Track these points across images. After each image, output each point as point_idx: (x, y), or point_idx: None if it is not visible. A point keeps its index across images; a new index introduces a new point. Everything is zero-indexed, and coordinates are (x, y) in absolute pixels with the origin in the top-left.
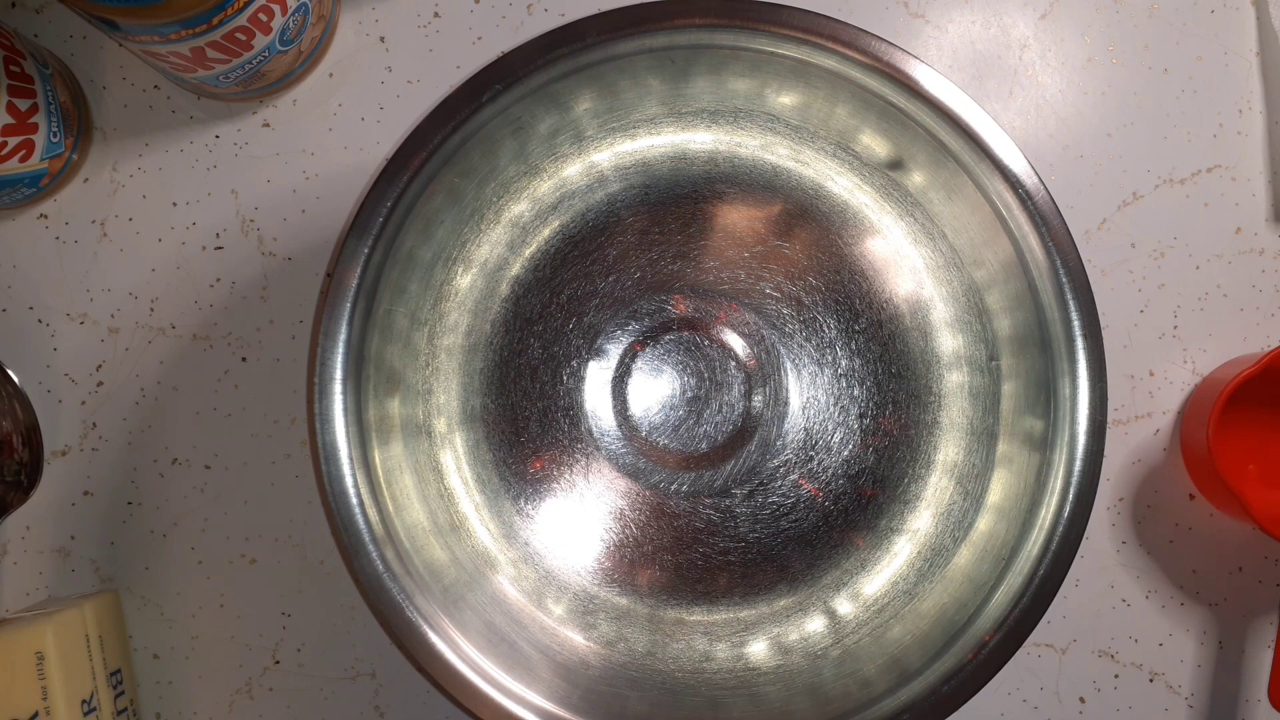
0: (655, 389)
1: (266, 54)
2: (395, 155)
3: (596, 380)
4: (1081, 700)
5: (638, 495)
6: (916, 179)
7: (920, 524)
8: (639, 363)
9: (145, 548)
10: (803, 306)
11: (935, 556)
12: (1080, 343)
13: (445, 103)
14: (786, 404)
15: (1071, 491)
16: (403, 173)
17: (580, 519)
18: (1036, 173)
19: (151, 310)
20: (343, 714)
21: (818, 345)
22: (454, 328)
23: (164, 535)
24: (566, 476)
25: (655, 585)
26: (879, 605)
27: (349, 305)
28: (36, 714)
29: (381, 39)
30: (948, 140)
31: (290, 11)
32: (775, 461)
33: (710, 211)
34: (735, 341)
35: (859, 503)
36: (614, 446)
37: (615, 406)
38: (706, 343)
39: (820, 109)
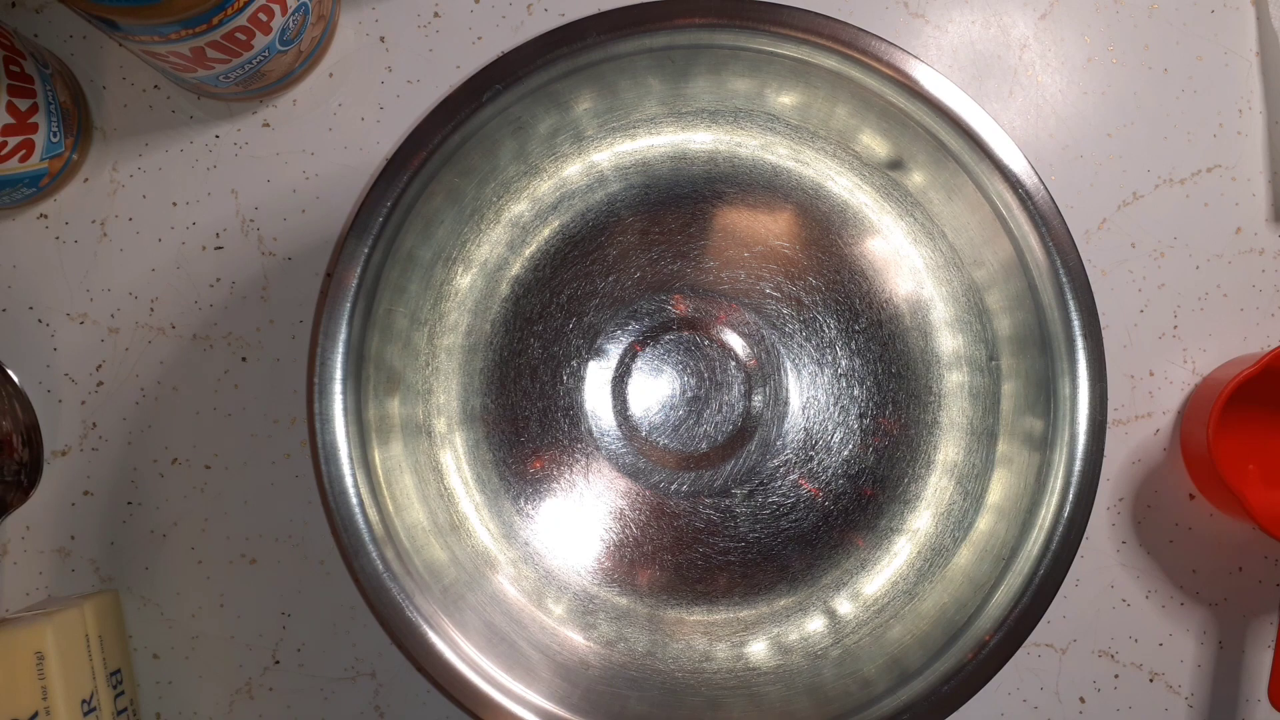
0: (655, 389)
1: (266, 54)
2: (395, 155)
3: (596, 380)
4: (1081, 700)
5: (638, 495)
6: (916, 179)
7: (920, 524)
8: (639, 363)
9: (145, 548)
10: (803, 306)
11: (935, 556)
12: (1080, 343)
13: (445, 103)
14: (786, 404)
15: (1071, 491)
16: (403, 173)
17: (580, 519)
18: (1036, 173)
19: (151, 310)
20: (343, 714)
21: (818, 345)
22: (454, 328)
23: (164, 535)
24: (566, 476)
25: (655, 585)
26: (879, 605)
27: (349, 305)
28: (36, 714)
29: (381, 39)
30: (948, 140)
31: (290, 11)
32: (775, 461)
33: (710, 211)
34: (735, 341)
35: (859, 503)
36: (614, 446)
37: (615, 406)
38: (706, 343)
39: (820, 109)
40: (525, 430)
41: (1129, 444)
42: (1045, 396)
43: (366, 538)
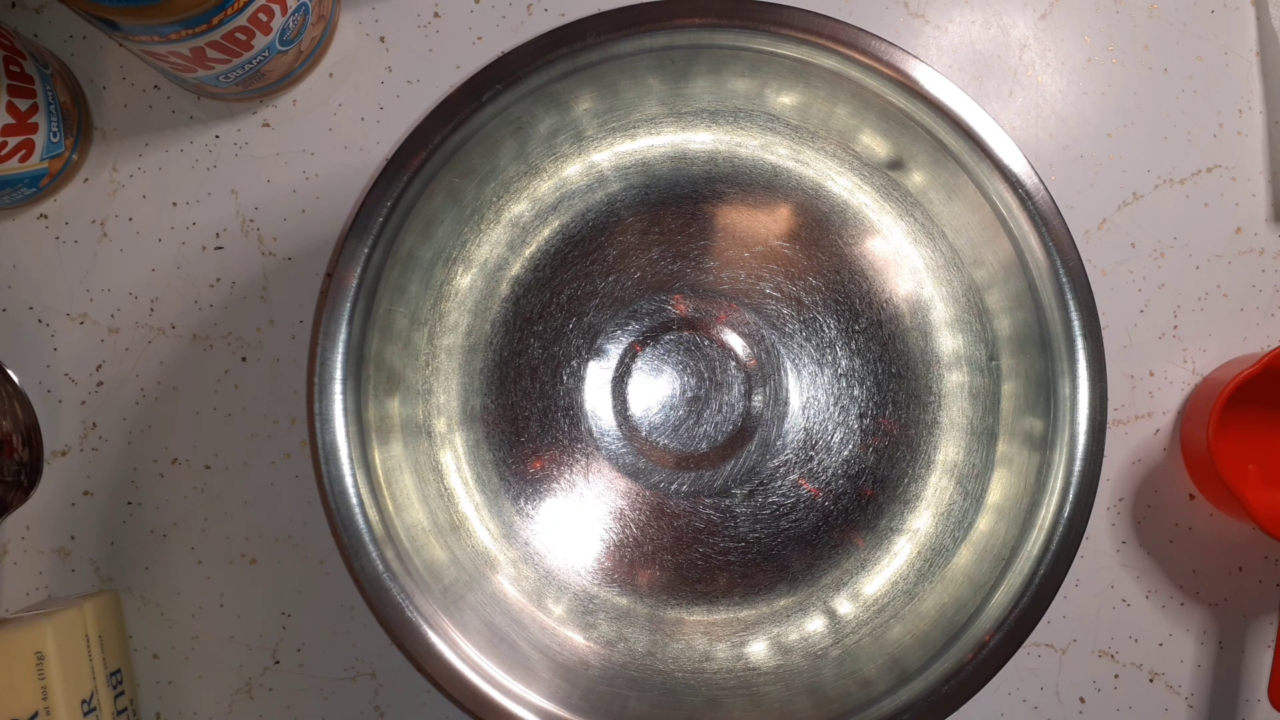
0: (655, 389)
1: (266, 54)
2: (395, 155)
3: (596, 380)
4: (1081, 700)
5: (638, 495)
6: (916, 179)
7: (920, 524)
8: (639, 363)
9: (145, 548)
10: (803, 306)
11: (935, 556)
12: (1080, 343)
13: (445, 103)
14: (786, 404)
15: (1071, 491)
16: (403, 173)
17: (580, 519)
18: (1036, 173)
19: (151, 310)
20: (343, 714)
21: (818, 345)
22: (454, 328)
23: (164, 535)
24: (566, 476)
25: (655, 585)
26: (879, 605)
27: (349, 305)
28: (36, 714)
29: (381, 39)
30: (948, 140)
31: (290, 11)
32: (775, 461)
33: (710, 211)
34: (735, 341)
35: (859, 503)
36: (614, 446)
37: (615, 406)
38: (706, 343)
39: (820, 109)
40: (525, 430)
41: (1129, 444)
42: (1045, 396)
43: (366, 538)
